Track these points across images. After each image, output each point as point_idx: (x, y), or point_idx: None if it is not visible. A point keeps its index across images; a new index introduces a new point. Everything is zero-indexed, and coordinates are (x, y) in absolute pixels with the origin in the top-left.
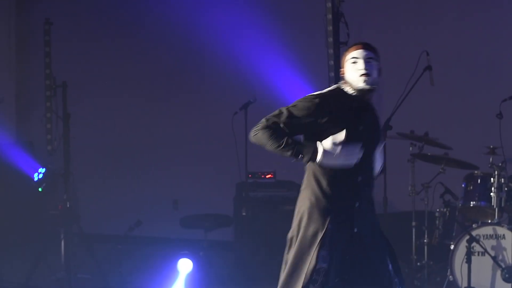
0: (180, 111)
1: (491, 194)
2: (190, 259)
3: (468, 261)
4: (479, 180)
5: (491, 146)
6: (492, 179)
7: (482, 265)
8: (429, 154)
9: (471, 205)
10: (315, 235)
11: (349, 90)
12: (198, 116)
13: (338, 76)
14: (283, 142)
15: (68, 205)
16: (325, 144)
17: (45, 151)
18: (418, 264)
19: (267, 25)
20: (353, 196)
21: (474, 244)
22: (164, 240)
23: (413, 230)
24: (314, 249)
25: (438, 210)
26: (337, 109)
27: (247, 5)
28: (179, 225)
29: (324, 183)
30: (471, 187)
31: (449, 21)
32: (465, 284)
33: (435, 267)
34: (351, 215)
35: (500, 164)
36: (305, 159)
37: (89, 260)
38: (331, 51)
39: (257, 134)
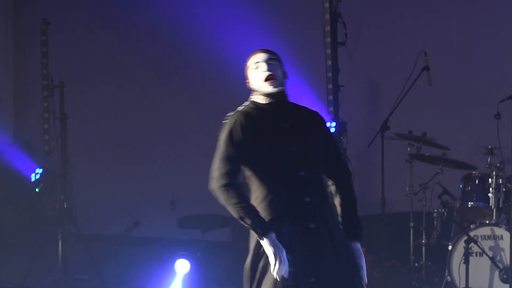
0: (178, 112)
1: (489, 194)
2: (187, 259)
3: (466, 261)
4: (477, 181)
5: (489, 147)
6: (490, 179)
7: (480, 266)
8: (427, 154)
9: (469, 206)
10: None
11: (260, 100)
12: (196, 116)
13: (336, 77)
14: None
15: (65, 206)
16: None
17: (42, 151)
18: (416, 264)
19: (265, 25)
20: (301, 191)
21: (472, 244)
22: (161, 241)
23: (411, 230)
24: None
25: (436, 210)
26: (256, 124)
27: (245, 4)
28: (177, 225)
29: (266, 186)
30: (469, 188)
31: (447, 22)
32: (463, 284)
33: (433, 268)
34: (303, 210)
35: (498, 165)
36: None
37: (87, 260)
38: (328, 51)
39: (219, 198)
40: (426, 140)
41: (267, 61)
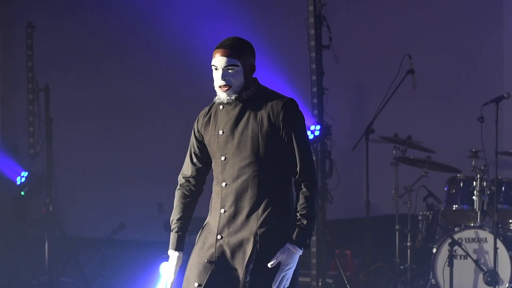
0: (164, 113)
1: (474, 197)
2: None
3: (450, 264)
4: (461, 184)
5: (473, 150)
6: (474, 182)
7: (464, 269)
8: (412, 157)
9: (454, 209)
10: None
11: (217, 102)
12: (182, 118)
13: (320, 80)
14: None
15: (51, 209)
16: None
17: (27, 154)
18: (401, 267)
19: (249, 28)
20: (220, 202)
21: (456, 247)
22: (148, 244)
23: (396, 233)
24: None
25: (421, 213)
26: (206, 128)
27: (229, 7)
28: (163, 228)
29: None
30: (454, 191)
31: (432, 25)
32: (447, 287)
33: (418, 271)
34: (217, 222)
35: (482, 168)
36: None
37: (72, 263)
38: (313, 54)
39: None
40: (411, 143)
41: (224, 68)
